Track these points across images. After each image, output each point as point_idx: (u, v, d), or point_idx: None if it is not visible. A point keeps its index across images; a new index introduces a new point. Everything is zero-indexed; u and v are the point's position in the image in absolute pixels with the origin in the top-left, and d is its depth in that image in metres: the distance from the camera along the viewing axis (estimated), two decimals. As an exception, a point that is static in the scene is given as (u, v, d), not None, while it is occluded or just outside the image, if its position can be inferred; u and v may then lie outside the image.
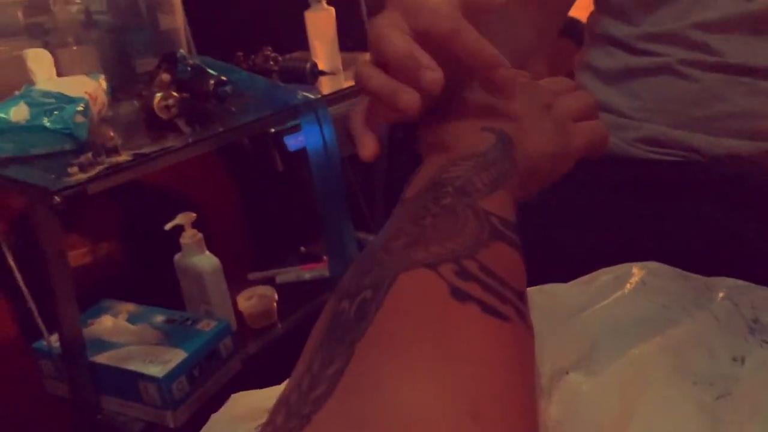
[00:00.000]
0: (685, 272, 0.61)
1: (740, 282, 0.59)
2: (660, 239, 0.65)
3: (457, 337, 0.26)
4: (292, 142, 1.40)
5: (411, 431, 0.23)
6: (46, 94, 0.97)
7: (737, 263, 0.60)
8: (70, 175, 0.88)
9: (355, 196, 1.58)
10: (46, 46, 1.18)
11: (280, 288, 1.35)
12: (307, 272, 1.43)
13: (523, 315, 0.30)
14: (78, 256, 1.42)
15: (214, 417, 0.55)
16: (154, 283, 1.32)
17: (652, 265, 0.62)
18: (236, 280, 1.33)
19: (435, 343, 0.26)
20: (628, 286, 0.59)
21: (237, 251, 1.52)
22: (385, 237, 0.33)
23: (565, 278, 0.55)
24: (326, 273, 1.40)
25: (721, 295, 0.58)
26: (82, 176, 0.88)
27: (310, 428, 0.24)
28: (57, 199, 0.85)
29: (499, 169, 0.39)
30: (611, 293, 0.57)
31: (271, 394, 0.57)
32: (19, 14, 1.26)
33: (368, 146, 0.44)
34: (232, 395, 0.55)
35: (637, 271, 0.62)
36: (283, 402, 0.26)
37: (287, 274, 1.43)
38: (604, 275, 0.58)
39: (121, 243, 1.49)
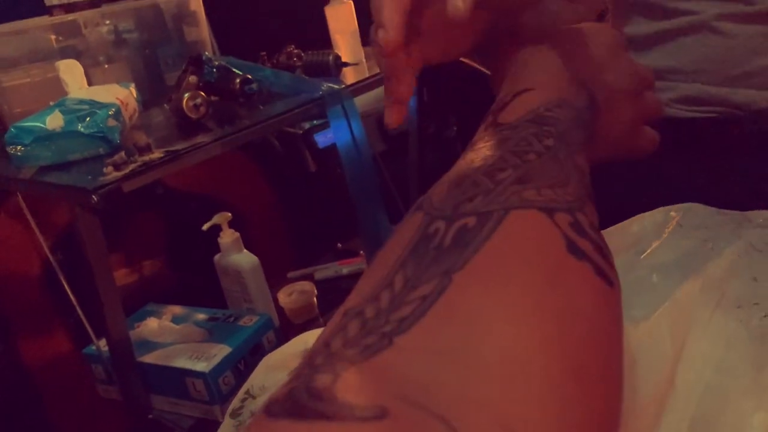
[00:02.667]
0: (721, 210, 0.59)
1: None
2: (701, 196, 0.64)
3: (569, 293, 0.25)
4: (322, 140, 1.41)
5: (505, 372, 0.22)
6: (79, 101, 1.00)
7: None
8: (105, 174, 0.90)
9: (389, 191, 1.58)
10: (79, 66, 1.22)
11: (320, 284, 1.35)
12: (345, 267, 1.43)
13: (611, 281, 0.29)
14: (123, 265, 1.46)
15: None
16: (197, 284, 1.35)
17: (688, 205, 0.61)
18: (276, 279, 1.34)
19: (546, 293, 0.25)
20: (667, 229, 0.58)
21: (275, 251, 1.53)
22: (486, 163, 0.31)
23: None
24: (364, 267, 1.40)
25: (760, 221, 0.56)
26: (117, 174, 0.90)
27: (394, 351, 0.22)
28: (94, 198, 0.87)
29: (586, 131, 0.38)
30: (651, 237, 0.56)
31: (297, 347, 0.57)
32: (52, 38, 1.30)
33: (394, 116, 0.45)
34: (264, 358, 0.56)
35: (674, 214, 0.60)
36: (354, 312, 0.25)
37: (326, 270, 1.43)
38: (643, 220, 0.57)
39: (164, 249, 1.52)
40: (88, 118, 0.98)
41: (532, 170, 0.30)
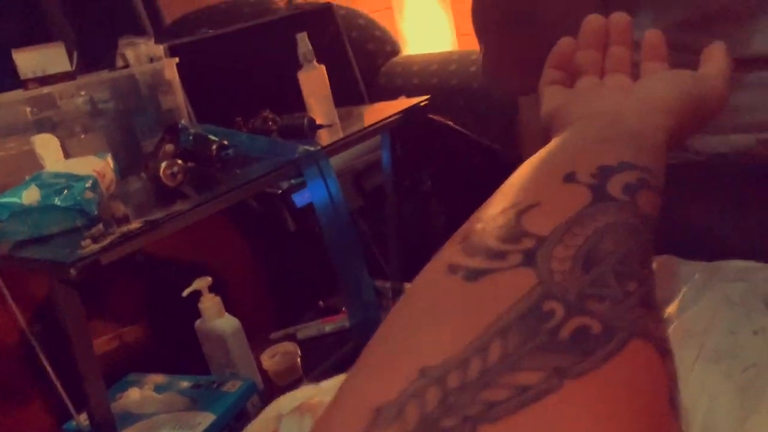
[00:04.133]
0: (689, 261, 0.61)
1: (753, 262, 0.58)
2: (665, 242, 0.66)
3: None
4: (300, 199, 1.43)
5: None
6: (56, 175, 1.01)
7: (745, 255, 0.60)
8: (83, 247, 0.90)
9: (368, 246, 1.59)
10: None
11: (303, 343, 1.35)
12: (328, 325, 1.42)
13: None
14: (104, 335, 1.44)
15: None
16: (180, 352, 1.33)
17: (663, 257, 0.62)
18: (258, 341, 1.33)
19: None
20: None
21: (257, 312, 1.52)
22: (616, 253, 0.28)
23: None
24: (346, 324, 1.40)
25: (732, 276, 0.57)
26: (95, 247, 0.90)
27: None
28: (72, 271, 0.87)
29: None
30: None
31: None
32: (27, 111, 1.31)
33: None
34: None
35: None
36: (434, 376, 0.22)
37: (308, 329, 1.43)
38: None
39: (145, 316, 1.50)
40: (65, 192, 0.98)
41: (652, 292, 0.28)
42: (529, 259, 0.27)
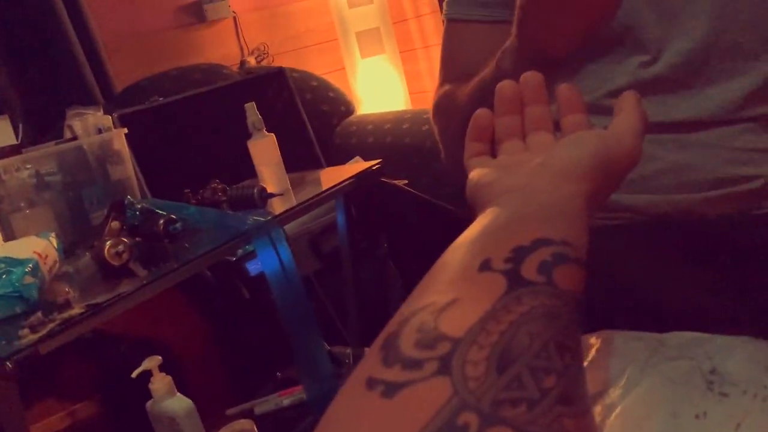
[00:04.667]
0: (637, 333, 0.60)
1: (696, 334, 0.58)
2: (613, 303, 0.66)
3: None
4: (254, 267, 1.40)
5: None
6: (-6, 260, 0.97)
7: (691, 316, 0.60)
8: (20, 338, 0.86)
9: (326, 310, 1.56)
10: (-1, 213, 1.19)
11: (260, 419, 1.30)
12: (286, 398, 1.39)
13: None
14: (55, 411, 1.38)
15: None
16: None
17: (605, 333, 0.62)
18: (214, 418, 1.29)
19: None
20: (587, 359, 0.59)
21: (212, 387, 1.48)
22: (531, 348, 0.28)
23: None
24: (304, 396, 1.36)
25: (674, 354, 0.57)
26: (33, 337, 0.86)
27: None
28: (9, 365, 0.83)
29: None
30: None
31: None
32: (-31, 186, 1.28)
33: None
34: None
35: (593, 341, 0.61)
36: None
37: (266, 404, 1.39)
38: None
39: (98, 396, 1.45)
40: (3, 277, 0.95)
41: (574, 381, 0.27)
42: (444, 366, 0.26)
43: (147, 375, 1.17)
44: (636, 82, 0.66)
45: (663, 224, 0.69)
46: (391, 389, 0.26)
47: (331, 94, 2.16)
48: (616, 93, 0.67)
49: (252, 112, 1.30)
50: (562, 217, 0.37)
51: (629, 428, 0.50)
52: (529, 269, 0.31)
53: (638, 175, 0.68)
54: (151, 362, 1.15)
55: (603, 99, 0.68)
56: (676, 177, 0.67)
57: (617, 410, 0.53)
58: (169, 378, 1.16)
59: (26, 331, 0.87)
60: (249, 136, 1.34)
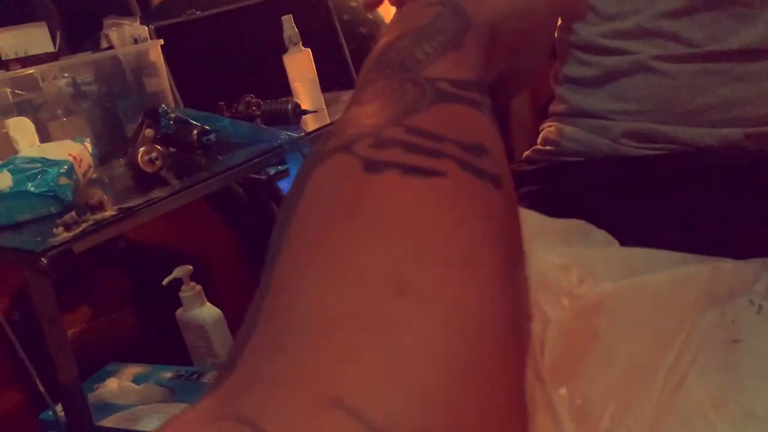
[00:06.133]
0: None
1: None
2: (657, 235, 0.63)
3: (371, 213, 0.22)
4: (285, 186, 1.40)
5: (327, 331, 0.19)
6: (30, 160, 0.98)
7: (734, 250, 0.58)
8: (55, 235, 0.87)
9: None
10: (37, 120, 1.19)
11: (287, 333, 1.32)
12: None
13: (475, 168, 0.24)
14: (84, 321, 1.42)
15: None
16: (161, 341, 1.31)
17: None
18: (241, 330, 1.31)
19: (344, 228, 0.22)
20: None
21: (240, 301, 1.50)
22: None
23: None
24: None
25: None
26: (68, 235, 0.87)
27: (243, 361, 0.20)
28: (43, 260, 0.84)
29: (447, 34, 0.33)
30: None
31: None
32: (8, 92, 1.28)
33: None
34: None
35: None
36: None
37: (293, 319, 1.41)
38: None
39: (126, 304, 1.48)
40: (38, 177, 0.95)
41: (342, 121, 0.28)
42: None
43: (177, 284, 1.19)
44: (692, 4, 0.62)
45: (707, 158, 0.66)
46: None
47: (369, 17, 2.10)
48: (668, 15, 0.62)
49: (289, 24, 1.27)
50: None
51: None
52: None
53: (685, 109, 0.64)
54: (182, 271, 1.17)
55: (649, 21, 0.64)
56: (726, 112, 0.63)
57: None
58: (199, 287, 1.18)
59: (60, 229, 0.88)
60: (284, 50, 1.31)
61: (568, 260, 0.38)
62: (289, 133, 1.17)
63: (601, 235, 0.49)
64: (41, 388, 1.09)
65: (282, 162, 1.16)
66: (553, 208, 0.57)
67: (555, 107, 0.77)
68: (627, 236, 0.61)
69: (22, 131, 1.05)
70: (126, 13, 1.70)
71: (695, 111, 0.63)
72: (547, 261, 0.37)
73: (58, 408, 1.07)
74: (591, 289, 0.36)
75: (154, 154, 1.05)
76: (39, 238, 0.88)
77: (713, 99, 0.63)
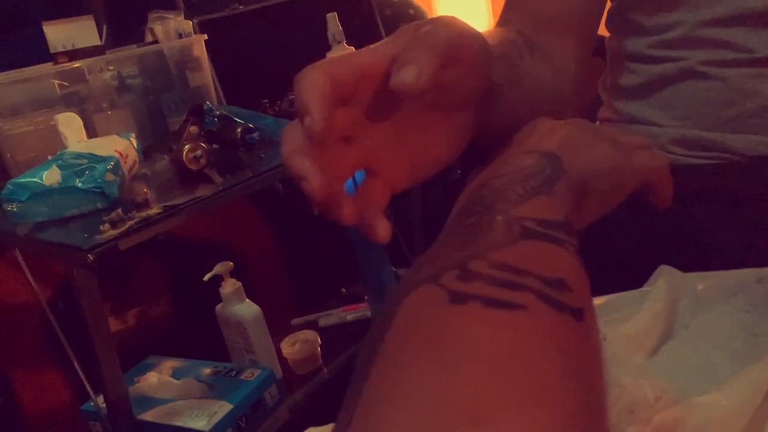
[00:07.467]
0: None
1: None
2: (701, 247, 0.62)
3: (454, 343, 0.23)
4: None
5: None
6: (78, 155, 0.99)
7: None
8: (102, 232, 0.88)
9: (394, 234, 1.55)
10: (82, 113, 1.21)
11: (324, 331, 1.33)
12: (350, 314, 1.40)
13: (556, 302, 0.25)
14: (124, 312, 1.43)
15: None
16: (200, 334, 1.32)
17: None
18: (279, 327, 1.32)
19: (430, 356, 0.23)
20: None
21: (279, 298, 1.51)
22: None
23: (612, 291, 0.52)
24: (368, 313, 1.37)
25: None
26: (114, 232, 0.88)
27: None
28: (90, 257, 0.85)
29: (540, 178, 0.35)
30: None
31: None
32: (56, 85, 1.29)
33: (380, 228, 0.37)
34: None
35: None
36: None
37: (329, 318, 1.41)
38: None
39: (167, 300, 1.50)
40: (86, 173, 0.96)
41: (435, 250, 0.30)
42: None
43: (217, 280, 1.20)
44: (740, 10, 0.59)
45: (756, 169, 0.63)
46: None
47: (411, 12, 2.08)
48: (714, 23, 0.60)
49: (333, 22, 1.26)
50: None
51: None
52: None
53: (734, 113, 0.62)
54: (223, 267, 1.18)
55: (694, 30, 0.62)
56: None
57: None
58: (239, 284, 1.19)
59: (107, 226, 0.89)
60: (328, 48, 1.31)
61: (642, 373, 0.39)
62: (331, 132, 1.16)
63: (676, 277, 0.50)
64: (84, 380, 1.11)
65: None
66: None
67: (603, 113, 0.75)
68: (679, 250, 0.59)
69: (70, 126, 1.07)
70: (170, 7, 1.71)
71: (744, 115, 0.61)
72: (622, 384, 0.38)
73: (100, 399, 1.09)
74: (668, 409, 0.36)
75: (198, 152, 1.06)
76: (86, 234, 0.89)
77: (763, 102, 0.61)
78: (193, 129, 1.12)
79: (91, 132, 1.26)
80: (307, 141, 0.31)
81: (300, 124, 0.31)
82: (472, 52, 0.35)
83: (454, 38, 0.33)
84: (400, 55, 0.32)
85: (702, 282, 0.52)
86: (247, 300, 1.20)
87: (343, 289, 1.52)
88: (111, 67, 1.35)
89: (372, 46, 0.34)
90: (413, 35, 0.33)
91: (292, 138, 0.32)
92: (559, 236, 0.30)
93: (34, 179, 0.94)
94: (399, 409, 0.21)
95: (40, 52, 1.31)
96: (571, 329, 0.25)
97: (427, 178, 0.40)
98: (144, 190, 1.01)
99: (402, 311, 0.26)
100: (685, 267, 0.53)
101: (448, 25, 0.34)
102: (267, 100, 1.29)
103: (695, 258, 0.54)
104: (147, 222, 0.91)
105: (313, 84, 0.31)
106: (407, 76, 0.30)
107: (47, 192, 0.94)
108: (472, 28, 0.35)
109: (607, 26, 0.72)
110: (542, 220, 0.31)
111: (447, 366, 0.22)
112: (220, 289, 1.19)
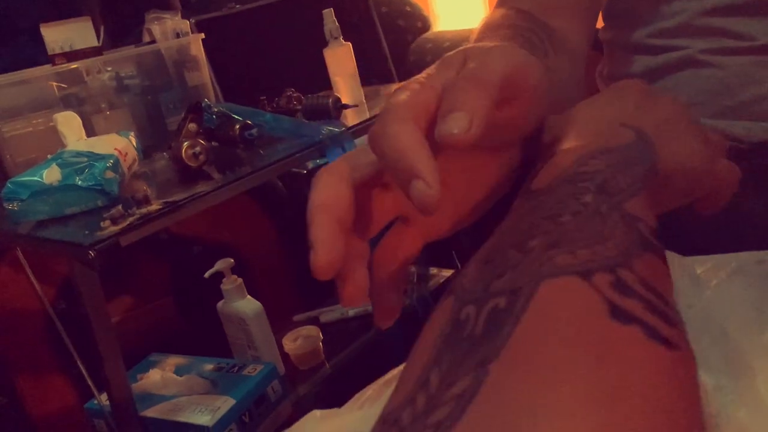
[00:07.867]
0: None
1: None
2: (703, 234, 0.62)
3: (620, 367, 0.22)
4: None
5: None
6: (77, 154, 1.00)
7: None
8: (102, 229, 0.89)
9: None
10: (81, 113, 1.21)
11: (325, 327, 1.33)
12: (351, 309, 1.40)
13: (688, 341, 0.25)
14: (127, 310, 1.44)
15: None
16: (202, 333, 1.32)
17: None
18: (281, 323, 1.32)
19: (593, 373, 0.21)
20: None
21: (280, 294, 1.51)
22: (515, 233, 0.27)
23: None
24: (369, 308, 1.37)
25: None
26: (115, 228, 0.88)
27: None
28: (91, 253, 0.86)
29: (642, 169, 0.31)
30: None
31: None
32: (54, 86, 1.30)
33: (386, 314, 0.33)
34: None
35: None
36: (391, 420, 0.22)
37: (331, 313, 1.41)
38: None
39: (169, 298, 1.50)
40: (86, 171, 0.97)
41: (566, 232, 0.26)
42: (452, 286, 0.27)
43: (218, 276, 1.20)
44: (740, 0, 0.60)
45: (759, 155, 0.64)
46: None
47: (407, 9, 2.08)
48: (714, 11, 0.61)
49: (330, 19, 1.26)
50: None
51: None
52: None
53: (736, 100, 0.62)
54: (224, 264, 1.18)
55: (695, 18, 0.62)
56: None
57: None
58: (240, 280, 1.19)
59: (107, 222, 0.89)
60: (324, 44, 1.31)
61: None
62: (329, 127, 1.17)
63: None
64: (87, 378, 1.12)
65: (323, 156, 1.16)
66: None
67: None
68: (680, 235, 0.60)
69: (69, 125, 1.07)
70: (167, 7, 1.71)
71: (747, 102, 0.62)
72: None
73: (103, 397, 1.09)
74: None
75: (197, 149, 1.06)
76: (87, 231, 0.89)
77: (765, 89, 0.61)
78: (192, 126, 1.13)
79: (91, 132, 1.26)
80: (339, 201, 0.29)
81: (338, 171, 0.29)
82: (531, 86, 0.31)
83: (511, 72, 0.29)
84: (446, 95, 0.28)
85: (701, 265, 0.53)
86: (249, 296, 1.21)
87: (344, 285, 1.52)
88: (109, 68, 1.36)
89: (420, 78, 0.30)
90: (460, 68, 0.30)
91: (325, 190, 0.29)
92: (662, 251, 0.28)
93: (35, 178, 0.95)
94: (555, 421, 0.20)
95: (38, 54, 1.32)
96: (696, 370, 0.25)
97: (469, 224, 0.35)
98: (144, 187, 1.01)
99: (545, 300, 0.23)
100: (686, 252, 0.54)
101: (502, 54, 0.30)
102: (265, 97, 1.29)
103: (695, 243, 0.54)
104: (147, 218, 0.91)
105: (407, 137, 0.27)
106: (456, 126, 0.26)
107: (47, 190, 0.95)
108: (529, 56, 0.31)
109: (604, 16, 0.72)
110: (651, 227, 0.28)
111: (612, 391, 0.21)
112: (221, 285, 1.20)
